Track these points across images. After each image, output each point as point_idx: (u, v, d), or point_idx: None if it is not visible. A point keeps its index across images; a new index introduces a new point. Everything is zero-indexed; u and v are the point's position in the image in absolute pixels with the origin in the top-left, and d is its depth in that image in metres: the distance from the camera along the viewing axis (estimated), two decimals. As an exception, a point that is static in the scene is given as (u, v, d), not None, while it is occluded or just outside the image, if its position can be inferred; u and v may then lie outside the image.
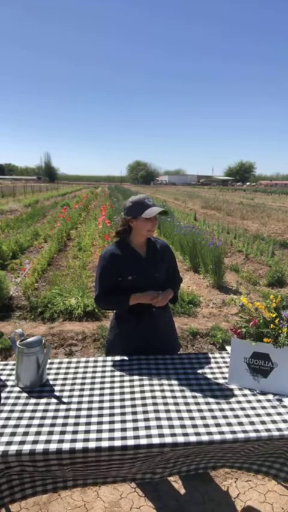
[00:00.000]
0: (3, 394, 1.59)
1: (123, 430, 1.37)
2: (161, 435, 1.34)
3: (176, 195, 32.97)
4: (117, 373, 1.77)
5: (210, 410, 1.50)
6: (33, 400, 1.55)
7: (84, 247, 8.15)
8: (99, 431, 1.36)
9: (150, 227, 1.83)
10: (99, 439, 1.32)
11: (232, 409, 1.51)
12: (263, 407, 1.53)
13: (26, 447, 1.27)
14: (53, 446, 1.28)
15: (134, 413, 1.47)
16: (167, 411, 1.48)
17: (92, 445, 1.29)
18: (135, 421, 1.42)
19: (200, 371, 1.80)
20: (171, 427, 1.39)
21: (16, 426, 1.38)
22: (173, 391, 1.62)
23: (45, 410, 1.48)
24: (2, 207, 17.18)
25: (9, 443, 1.29)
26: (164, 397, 1.57)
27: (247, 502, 2.03)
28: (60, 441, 1.30)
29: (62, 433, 1.35)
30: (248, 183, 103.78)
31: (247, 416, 1.47)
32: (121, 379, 1.72)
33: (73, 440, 1.31)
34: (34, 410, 1.48)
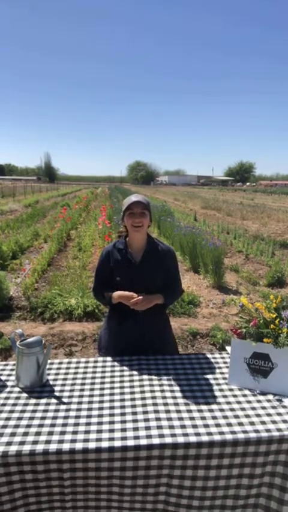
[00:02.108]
0: (3, 395, 1.59)
1: (123, 430, 1.37)
2: (161, 435, 1.34)
3: (176, 196, 32.97)
4: (117, 373, 1.77)
5: (210, 410, 1.50)
6: (33, 401, 1.55)
7: (84, 248, 8.15)
8: (99, 431, 1.36)
9: (132, 221, 1.81)
10: (99, 440, 1.32)
11: (232, 410, 1.51)
12: (263, 408, 1.53)
13: (26, 447, 1.27)
14: (53, 447, 1.28)
15: (134, 413, 1.47)
16: (167, 411, 1.48)
17: (92, 445, 1.29)
18: (135, 421, 1.42)
19: (200, 371, 1.80)
20: (171, 427, 1.39)
21: (16, 426, 1.38)
22: (173, 391, 1.62)
23: (45, 411, 1.48)
24: (2, 208, 17.18)
25: (9, 443, 1.29)
26: (164, 398, 1.57)
27: None
28: (60, 441, 1.30)
29: (62, 433, 1.35)
30: (248, 183, 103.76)
31: (247, 416, 1.47)
32: (121, 379, 1.71)
33: (73, 441, 1.31)
34: (34, 411, 1.48)
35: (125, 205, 1.82)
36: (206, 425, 1.40)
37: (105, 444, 1.30)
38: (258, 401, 1.58)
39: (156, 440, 1.32)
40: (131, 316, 1.91)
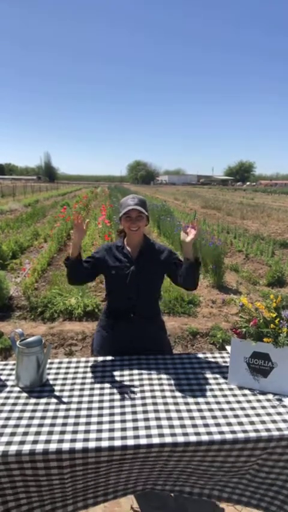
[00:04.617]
0: (3, 394, 1.59)
1: (123, 430, 1.37)
2: (160, 435, 1.34)
3: (176, 195, 32.96)
4: (117, 373, 1.77)
5: (210, 410, 1.50)
6: (33, 400, 1.55)
7: (84, 247, 8.14)
8: (99, 431, 1.36)
9: (130, 225, 1.84)
10: (99, 439, 1.32)
11: (232, 409, 1.51)
12: (263, 407, 1.53)
13: (26, 447, 1.27)
14: (52, 446, 1.28)
15: (134, 413, 1.47)
16: (167, 411, 1.48)
17: (92, 445, 1.29)
18: (135, 421, 1.42)
19: (199, 371, 1.80)
20: (171, 427, 1.39)
21: (16, 426, 1.38)
22: (173, 391, 1.62)
23: (45, 410, 1.48)
24: (2, 207, 17.18)
25: (9, 443, 1.29)
26: (163, 397, 1.57)
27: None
28: (60, 441, 1.30)
29: (62, 433, 1.35)
30: (248, 183, 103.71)
31: (247, 416, 1.47)
32: (121, 379, 1.72)
33: (73, 440, 1.31)
34: (34, 410, 1.48)
35: (122, 209, 1.85)
36: (206, 425, 1.40)
37: (105, 443, 1.30)
38: (258, 400, 1.58)
39: (156, 440, 1.32)
40: (124, 318, 1.92)
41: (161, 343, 2.04)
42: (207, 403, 1.55)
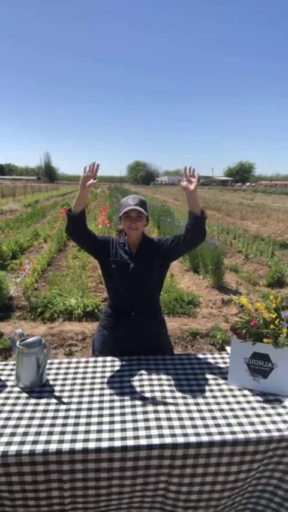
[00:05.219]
0: (3, 395, 1.59)
1: (123, 430, 1.37)
2: (160, 435, 1.34)
3: (176, 196, 32.95)
4: (117, 373, 1.77)
5: (210, 410, 1.50)
6: (33, 401, 1.55)
7: (84, 248, 8.14)
8: (99, 431, 1.36)
9: (129, 224, 1.85)
10: (99, 440, 1.32)
11: (232, 410, 1.51)
12: (263, 408, 1.53)
13: (26, 447, 1.27)
14: (52, 447, 1.28)
15: (134, 413, 1.47)
16: (167, 411, 1.48)
17: (91, 445, 1.29)
18: (135, 421, 1.42)
19: (199, 371, 1.80)
20: (171, 427, 1.39)
21: (16, 426, 1.38)
22: (173, 391, 1.62)
23: (45, 411, 1.48)
24: (2, 207, 17.18)
25: (9, 443, 1.29)
26: (164, 398, 1.57)
27: None
28: (60, 441, 1.30)
29: (62, 433, 1.35)
30: (247, 184, 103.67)
31: (247, 416, 1.47)
32: (121, 379, 1.72)
33: (73, 441, 1.31)
34: (34, 411, 1.48)
35: (123, 208, 1.85)
36: (206, 426, 1.41)
37: (105, 444, 1.30)
38: (258, 401, 1.58)
39: (156, 441, 1.32)
40: (125, 317, 1.92)
41: (162, 342, 2.05)
42: (207, 403, 1.55)
